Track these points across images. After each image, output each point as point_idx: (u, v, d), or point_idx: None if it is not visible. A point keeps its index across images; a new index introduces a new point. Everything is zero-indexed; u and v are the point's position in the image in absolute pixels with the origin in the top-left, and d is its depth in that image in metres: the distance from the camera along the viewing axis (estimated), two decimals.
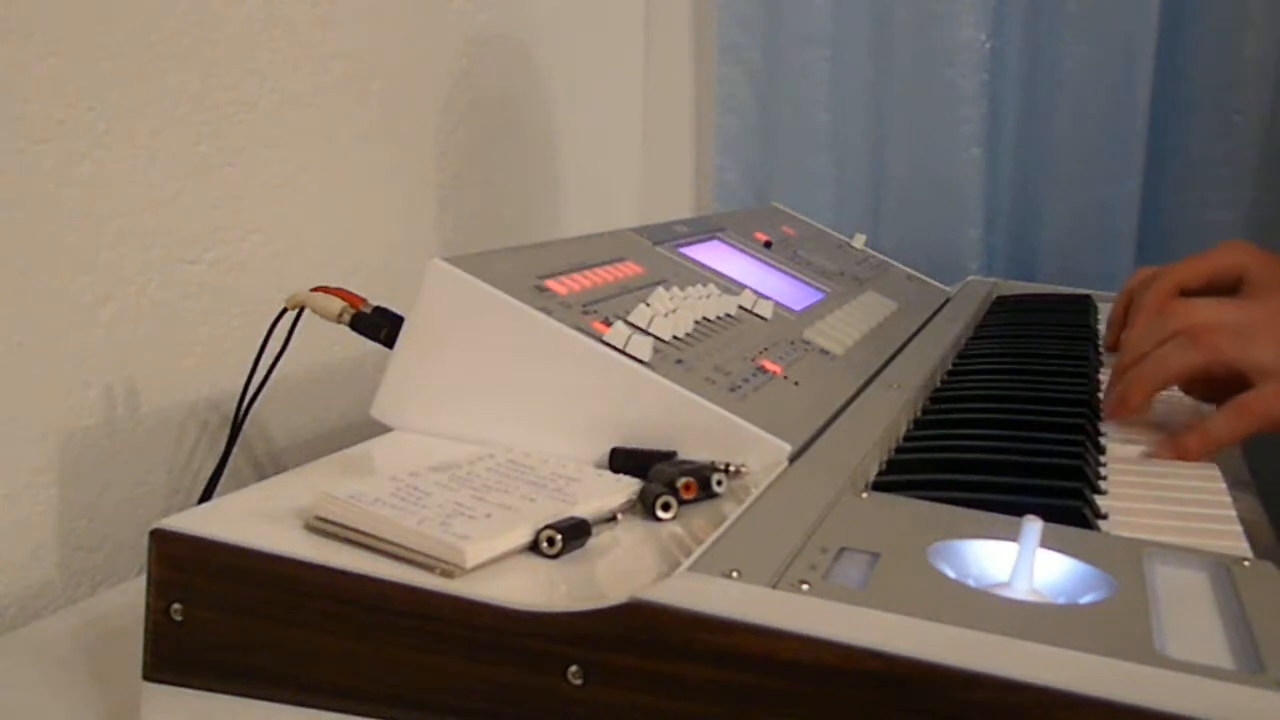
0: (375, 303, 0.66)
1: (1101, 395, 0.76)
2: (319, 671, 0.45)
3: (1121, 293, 0.90)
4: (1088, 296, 1.13)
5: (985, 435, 0.67)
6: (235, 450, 0.76)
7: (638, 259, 0.75)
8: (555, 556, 0.47)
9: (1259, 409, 0.65)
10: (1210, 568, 0.48)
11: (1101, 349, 0.92)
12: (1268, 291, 0.75)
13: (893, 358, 0.81)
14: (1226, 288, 0.78)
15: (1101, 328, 0.98)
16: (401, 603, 0.44)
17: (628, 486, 0.53)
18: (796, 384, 0.67)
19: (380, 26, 0.99)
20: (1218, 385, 0.69)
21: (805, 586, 0.42)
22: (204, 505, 0.53)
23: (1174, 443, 0.67)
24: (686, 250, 0.83)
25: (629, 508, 0.52)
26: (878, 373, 0.76)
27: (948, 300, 1.08)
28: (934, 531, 0.48)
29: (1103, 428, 0.72)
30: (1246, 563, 0.48)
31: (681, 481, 0.53)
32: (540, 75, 1.27)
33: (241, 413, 0.73)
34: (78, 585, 0.74)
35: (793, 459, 0.57)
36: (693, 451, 0.57)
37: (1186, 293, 0.83)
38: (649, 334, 0.63)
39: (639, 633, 0.41)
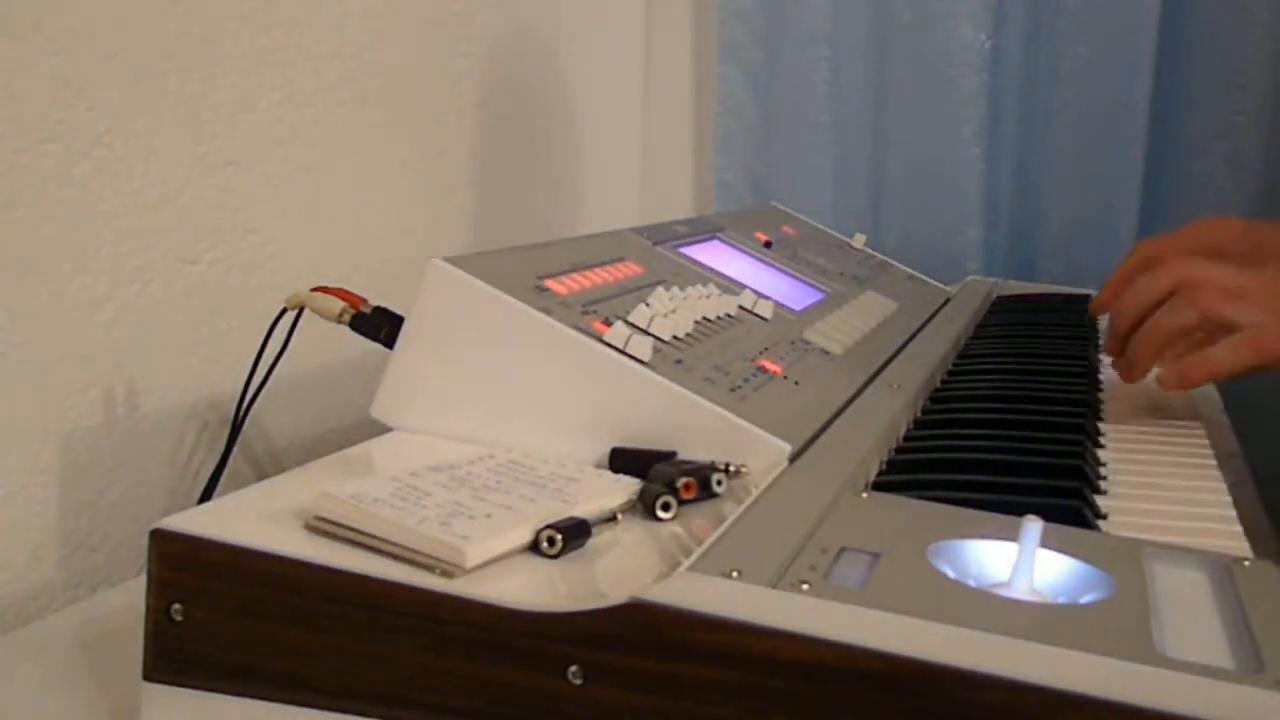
0: (375, 303, 0.66)
1: (1101, 387, 0.76)
2: (319, 671, 0.45)
3: (1122, 269, 0.88)
4: (1088, 296, 1.12)
5: (985, 435, 0.67)
6: (235, 450, 0.76)
7: (637, 259, 0.75)
8: (555, 556, 0.47)
9: (1261, 343, 0.67)
10: (1210, 568, 0.48)
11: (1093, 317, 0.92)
12: (1256, 262, 0.76)
13: (893, 358, 0.81)
14: None
15: (1103, 325, 0.97)
16: (401, 603, 0.44)
17: (628, 486, 0.53)
18: (796, 384, 0.67)
19: (380, 26, 0.99)
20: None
21: (805, 586, 0.42)
22: (204, 505, 0.53)
23: (1176, 373, 0.69)
24: (686, 250, 0.83)
25: (629, 508, 0.52)
26: (878, 373, 0.76)
27: (948, 300, 1.08)
28: (934, 531, 0.48)
29: (1102, 427, 0.72)
30: (1246, 563, 0.48)
31: (681, 481, 0.53)
32: (540, 75, 1.27)
33: (241, 413, 0.73)
34: (78, 585, 0.74)
35: (793, 459, 0.57)
36: (693, 451, 0.57)
37: None
38: (649, 334, 0.63)
39: (639, 633, 0.41)
